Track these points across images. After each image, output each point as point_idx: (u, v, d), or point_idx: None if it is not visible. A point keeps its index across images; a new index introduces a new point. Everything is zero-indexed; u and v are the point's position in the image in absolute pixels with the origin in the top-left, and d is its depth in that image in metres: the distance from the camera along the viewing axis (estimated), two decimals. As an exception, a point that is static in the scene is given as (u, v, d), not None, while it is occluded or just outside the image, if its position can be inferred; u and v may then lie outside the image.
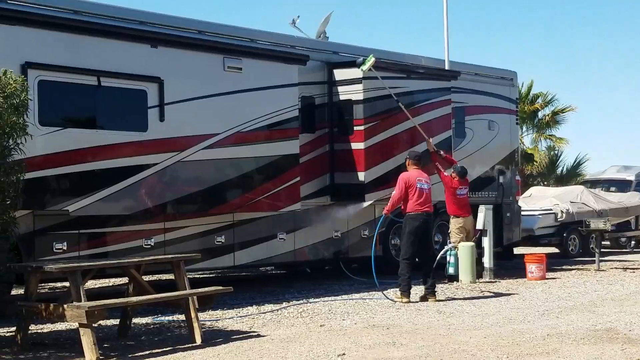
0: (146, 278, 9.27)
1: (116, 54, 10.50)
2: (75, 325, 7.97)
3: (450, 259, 13.89)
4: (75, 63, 10.09)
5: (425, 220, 11.48)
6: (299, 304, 11.11)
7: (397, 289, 11.44)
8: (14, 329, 8.22)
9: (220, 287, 8.94)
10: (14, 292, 10.00)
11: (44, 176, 9.74)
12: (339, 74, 13.67)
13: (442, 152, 14.05)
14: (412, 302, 11.17)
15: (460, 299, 11.76)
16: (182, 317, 9.20)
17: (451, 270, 13.86)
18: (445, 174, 13.89)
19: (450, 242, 14.23)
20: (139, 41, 10.74)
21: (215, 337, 8.62)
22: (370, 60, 13.29)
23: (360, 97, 13.55)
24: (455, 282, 13.63)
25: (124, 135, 10.59)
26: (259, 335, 8.69)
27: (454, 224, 14.12)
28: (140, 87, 10.76)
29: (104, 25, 10.52)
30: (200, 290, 8.79)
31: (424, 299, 11.45)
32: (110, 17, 10.80)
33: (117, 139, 10.50)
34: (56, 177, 9.92)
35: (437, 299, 11.48)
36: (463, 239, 14.01)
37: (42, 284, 11.57)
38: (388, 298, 11.38)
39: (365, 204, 13.68)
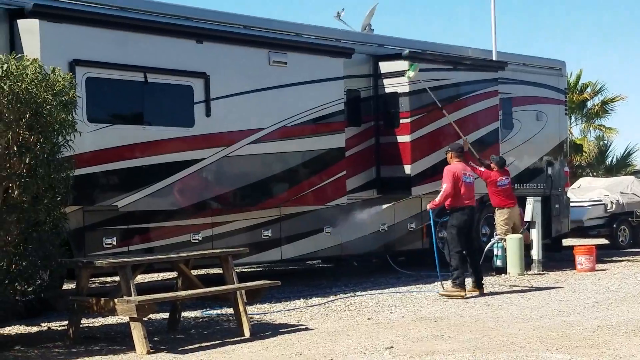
0: (194, 272, 9.34)
1: (162, 50, 10.58)
2: (125, 319, 8.09)
3: (498, 251, 13.79)
4: (122, 60, 10.19)
5: (471, 213, 11.43)
6: (346, 297, 11.12)
7: (449, 282, 11.27)
8: (66, 323, 8.37)
9: (268, 281, 8.99)
10: (65, 286, 10.14)
11: (93, 172, 9.85)
12: (385, 66, 13.61)
13: (476, 154, 14.07)
14: (468, 297, 10.96)
15: (508, 291, 11.66)
16: (230, 310, 9.27)
17: (499, 262, 13.75)
18: (482, 168, 13.78)
19: (496, 235, 14.11)
20: (185, 37, 10.81)
21: (263, 330, 8.67)
22: (416, 69, 13.28)
23: (406, 89, 13.47)
24: (503, 275, 13.53)
25: (171, 131, 10.67)
26: (307, 329, 8.72)
27: (499, 215, 14.02)
28: (187, 83, 10.83)
29: (151, 22, 10.61)
30: (248, 284, 8.85)
31: (471, 292, 11.29)
32: (156, 14, 10.88)
33: (164, 134, 10.59)
34: (105, 173, 10.03)
35: (484, 292, 11.35)
36: (509, 230, 13.88)
37: (92, 279, 11.74)
38: (442, 293, 11.17)
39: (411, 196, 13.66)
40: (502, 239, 13.90)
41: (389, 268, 14.12)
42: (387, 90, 13.60)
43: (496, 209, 14.09)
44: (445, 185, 11.15)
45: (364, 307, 10.28)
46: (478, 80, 14.70)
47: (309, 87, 12.12)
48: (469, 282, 11.37)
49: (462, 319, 9.17)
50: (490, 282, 12.66)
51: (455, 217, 11.28)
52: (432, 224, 12.27)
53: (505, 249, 13.68)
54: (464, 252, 11.36)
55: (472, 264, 11.45)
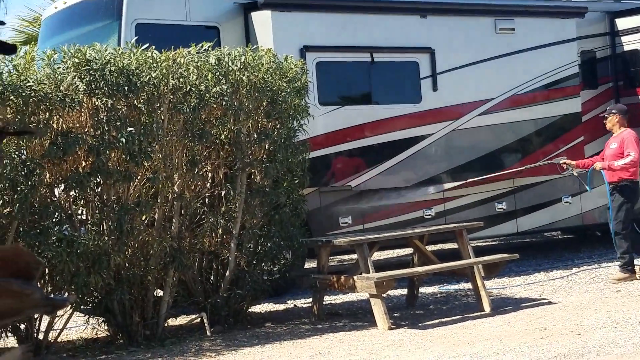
0: (429, 248, 9.35)
1: (387, 29, 10.63)
2: (365, 295, 8.25)
3: None
4: (349, 42, 10.35)
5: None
6: (590, 269, 10.66)
7: (619, 269, 9.74)
8: (310, 300, 8.67)
9: (506, 255, 8.80)
10: (306, 265, 10.52)
11: (326, 154, 10.12)
12: (622, 22, 12.81)
13: None
14: (638, 279, 9.51)
15: None
16: (467, 285, 9.20)
17: None
18: None
19: None
20: (409, 13, 10.79)
21: (503, 305, 8.51)
22: None
23: (647, 45, 12.65)
24: None
25: (399, 109, 10.72)
26: (550, 303, 8.46)
27: None
28: (412, 59, 10.82)
29: (374, 2, 10.70)
30: (485, 258, 8.73)
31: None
32: (377, -7, 10.95)
33: (393, 112, 10.65)
34: (337, 154, 10.27)
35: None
36: None
37: (331, 257, 12.08)
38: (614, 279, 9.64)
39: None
40: None
41: (636, 236, 13.35)
42: (626, 47, 12.81)
43: None
44: (633, 154, 9.53)
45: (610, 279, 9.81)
46: None
47: (540, 52, 11.68)
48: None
49: None
50: None
51: (633, 191, 9.74)
52: (588, 188, 10.38)
53: None
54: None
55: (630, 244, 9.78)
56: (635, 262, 9.84)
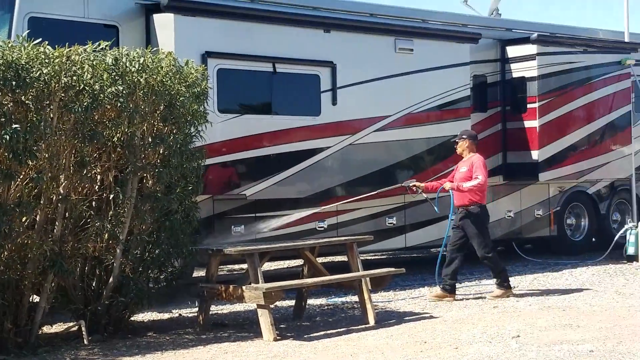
0: (319, 260, 9.49)
1: (290, 40, 10.76)
2: (252, 306, 8.31)
3: (630, 238, 13.40)
4: (251, 51, 10.42)
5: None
6: (471, 285, 11.06)
7: (496, 287, 10.10)
8: (196, 310, 8.65)
9: (393, 269, 9.04)
10: (194, 274, 10.48)
11: (223, 162, 10.16)
12: (512, 50, 13.39)
13: None
14: (514, 295, 10.00)
15: (641, 282, 11.31)
16: (354, 298, 9.40)
17: (631, 250, 13.36)
18: None
19: (630, 222, 13.71)
20: (312, 26, 10.95)
21: (388, 318, 8.74)
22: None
23: (534, 73, 13.22)
24: (634, 262, 13.14)
25: (298, 120, 10.86)
26: (431, 317, 8.74)
27: None
28: (314, 72, 10.99)
29: (279, 12, 10.80)
30: (373, 271, 8.92)
31: (441, 297, 9.90)
32: (284, 4, 11.07)
33: (292, 123, 10.78)
34: (234, 162, 10.32)
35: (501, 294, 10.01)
36: None
37: (221, 266, 12.08)
38: (493, 296, 9.98)
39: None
40: (635, 225, 13.52)
41: (515, 256, 13.92)
42: (515, 74, 13.39)
43: None
44: (481, 177, 9.84)
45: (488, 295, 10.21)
46: (609, 63, 14.25)
47: (435, 73, 12.07)
48: (436, 288, 10.32)
49: (591, 308, 8.98)
50: (621, 270, 12.32)
51: (484, 214, 10.10)
52: (451, 211, 10.34)
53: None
54: (458, 255, 10.08)
55: (456, 268, 10.05)
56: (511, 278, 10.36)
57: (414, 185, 10.30)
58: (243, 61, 10.39)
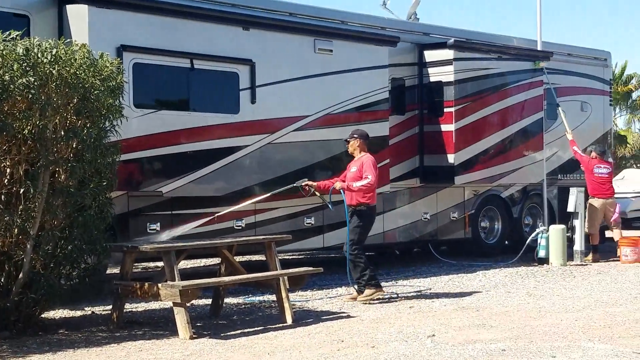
0: (237, 259, 9.40)
1: (209, 37, 10.63)
2: (168, 304, 8.17)
3: (541, 241, 13.72)
4: (169, 46, 10.26)
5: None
6: (388, 286, 11.10)
7: (356, 287, 9.91)
8: (109, 307, 8.47)
9: (311, 268, 9.02)
10: (109, 271, 10.26)
11: (139, 158, 9.96)
12: (430, 55, 13.55)
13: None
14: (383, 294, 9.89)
15: (550, 282, 11.57)
16: (272, 297, 9.33)
17: (542, 253, 13.69)
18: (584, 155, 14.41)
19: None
20: (232, 24, 10.84)
21: (305, 317, 8.71)
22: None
23: (450, 78, 13.40)
24: (545, 265, 13.45)
25: (216, 118, 10.74)
26: (348, 316, 8.74)
27: (588, 204, 14.25)
28: (233, 70, 10.88)
29: (198, 8, 10.65)
30: (291, 270, 8.88)
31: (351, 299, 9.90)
32: (204, 0, 10.93)
33: (210, 121, 10.66)
34: (150, 159, 10.13)
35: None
36: (594, 221, 14.16)
37: (135, 264, 11.86)
38: (362, 299, 9.75)
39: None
40: (546, 229, 13.85)
41: (431, 257, 14.10)
42: (432, 79, 13.55)
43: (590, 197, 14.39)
44: (370, 177, 9.70)
45: (405, 295, 10.28)
46: (523, 70, 14.58)
47: (354, 75, 12.12)
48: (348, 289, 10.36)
49: (504, 309, 9.13)
50: (533, 272, 12.59)
51: (369, 215, 9.97)
52: (346, 211, 9.95)
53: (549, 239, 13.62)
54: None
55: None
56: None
57: (307, 185, 10.01)
58: (160, 56, 10.21)
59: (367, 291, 9.78)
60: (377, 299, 9.77)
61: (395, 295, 10.23)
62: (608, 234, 17.77)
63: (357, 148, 10.02)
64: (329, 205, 10.11)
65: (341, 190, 9.90)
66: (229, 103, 10.87)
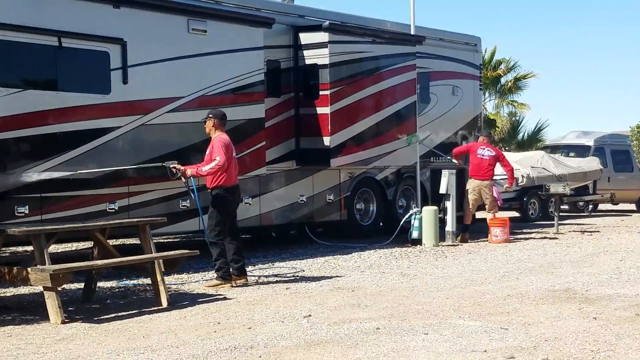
0: (111, 243, 9.18)
1: (78, 14, 10.30)
2: (38, 289, 7.92)
3: (415, 222, 14.01)
4: (35, 23, 9.87)
5: (239, 193, 9.99)
6: (264, 268, 11.13)
7: (214, 277, 9.71)
8: (-24, 292, 8.15)
9: (186, 251, 8.92)
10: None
11: (4, 139, 9.58)
12: (305, 37, 13.58)
13: None
14: (235, 286, 9.51)
15: (423, 262, 11.85)
16: (147, 281, 9.19)
17: (415, 234, 13.98)
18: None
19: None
20: (101, 1, 10.53)
21: (181, 300, 8.62)
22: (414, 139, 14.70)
23: (326, 61, 13.47)
24: (418, 246, 13.76)
25: (86, 98, 10.43)
26: (225, 298, 8.70)
27: (468, 184, 14.69)
28: (103, 49, 10.59)
29: (66, -15, 10.31)
30: (166, 253, 8.77)
31: (236, 280, 9.60)
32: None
33: (79, 101, 10.34)
34: (17, 139, 9.75)
35: (247, 281, 9.73)
36: (475, 201, 14.59)
37: (2, 249, 11.44)
38: (207, 285, 9.57)
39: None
40: (419, 210, 14.16)
41: (307, 239, 14.19)
42: (307, 61, 13.59)
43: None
44: (218, 158, 9.33)
45: (281, 277, 10.32)
46: (396, 54, 14.81)
47: (229, 56, 12.01)
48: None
49: (378, 289, 9.29)
50: (406, 252, 12.86)
51: (223, 198, 9.57)
52: (195, 197, 9.82)
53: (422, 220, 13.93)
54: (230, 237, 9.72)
55: (237, 249, 9.72)
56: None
57: (174, 167, 9.56)
58: (26, 33, 9.81)
59: (215, 281, 9.52)
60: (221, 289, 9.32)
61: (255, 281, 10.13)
62: (480, 215, 18.42)
63: (212, 128, 9.60)
64: (192, 194, 9.72)
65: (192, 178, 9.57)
66: (100, 83, 10.57)
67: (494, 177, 15.07)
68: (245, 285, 9.57)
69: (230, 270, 9.60)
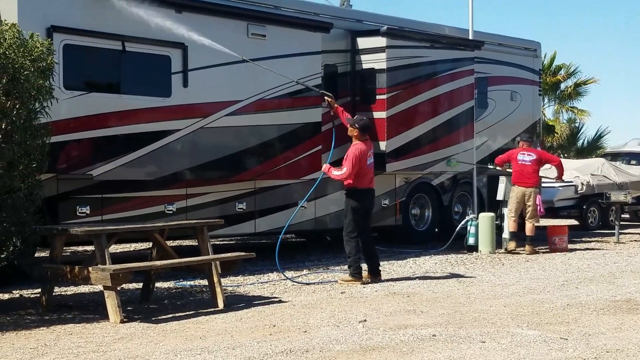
0: (169, 244, 9.32)
1: (141, 19, 10.47)
2: (98, 288, 8.07)
3: (471, 229, 13.92)
4: (100, 27, 10.09)
5: (373, 195, 10.79)
6: (319, 272, 11.16)
7: (347, 273, 10.38)
8: (38, 291, 8.32)
9: (243, 253, 9.00)
10: (37, 254, 10.08)
11: (69, 140, 9.80)
12: (363, 42, 13.61)
13: None
14: (365, 283, 10.13)
15: (479, 269, 11.77)
16: (204, 282, 9.29)
17: (471, 240, 13.89)
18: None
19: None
20: (165, 6, 10.69)
21: (237, 302, 8.69)
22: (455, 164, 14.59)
23: (383, 66, 13.48)
24: (474, 253, 13.66)
25: (148, 101, 10.61)
26: (280, 301, 8.76)
27: (511, 191, 14.27)
28: (165, 53, 10.76)
29: (129, -9, 10.50)
30: (223, 255, 8.85)
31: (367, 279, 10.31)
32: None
33: (141, 104, 10.53)
34: (80, 141, 9.96)
35: (381, 279, 10.44)
36: (512, 209, 14.06)
37: (65, 247, 11.68)
38: (342, 281, 10.21)
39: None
40: (475, 217, 14.04)
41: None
42: (365, 66, 13.61)
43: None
44: (345, 169, 10.19)
45: (337, 281, 10.33)
46: (454, 59, 14.75)
47: (287, 60, 12.09)
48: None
49: (434, 295, 9.25)
50: (462, 259, 12.78)
51: (354, 199, 10.33)
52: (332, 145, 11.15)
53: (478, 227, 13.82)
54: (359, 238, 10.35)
55: (367, 249, 10.41)
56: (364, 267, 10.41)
57: (328, 99, 11.26)
58: (91, 38, 10.04)
59: (347, 277, 10.23)
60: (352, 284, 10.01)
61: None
62: (543, 222, 18.23)
63: (354, 137, 10.40)
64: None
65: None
66: (161, 86, 10.75)
67: (542, 184, 14.82)
68: (380, 282, 10.21)
69: (361, 268, 10.18)
